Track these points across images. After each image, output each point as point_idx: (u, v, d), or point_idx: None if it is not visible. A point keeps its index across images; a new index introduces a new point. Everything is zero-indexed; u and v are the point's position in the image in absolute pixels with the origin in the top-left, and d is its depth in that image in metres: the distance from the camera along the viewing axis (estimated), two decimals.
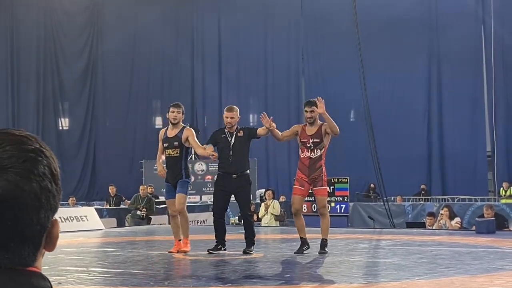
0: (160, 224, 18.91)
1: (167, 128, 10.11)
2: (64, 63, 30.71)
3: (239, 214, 15.93)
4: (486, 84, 22.16)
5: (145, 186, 18.73)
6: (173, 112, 9.93)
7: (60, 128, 30.79)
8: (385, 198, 18.10)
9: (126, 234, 15.34)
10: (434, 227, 15.68)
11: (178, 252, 9.81)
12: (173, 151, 9.79)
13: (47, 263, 9.76)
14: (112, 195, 18.47)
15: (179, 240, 10.12)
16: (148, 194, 18.73)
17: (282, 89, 26.12)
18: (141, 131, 29.07)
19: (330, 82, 24.21)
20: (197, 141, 10.16)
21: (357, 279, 7.70)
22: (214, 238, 10.29)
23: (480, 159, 22.41)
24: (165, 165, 10.53)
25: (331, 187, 18.25)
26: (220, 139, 9.92)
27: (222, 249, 9.99)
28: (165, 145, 9.89)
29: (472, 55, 22.44)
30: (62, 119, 30.79)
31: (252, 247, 9.87)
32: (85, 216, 16.62)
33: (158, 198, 22.28)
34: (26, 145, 1.20)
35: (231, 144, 9.76)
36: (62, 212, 16.86)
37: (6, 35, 30.47)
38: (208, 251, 10.15)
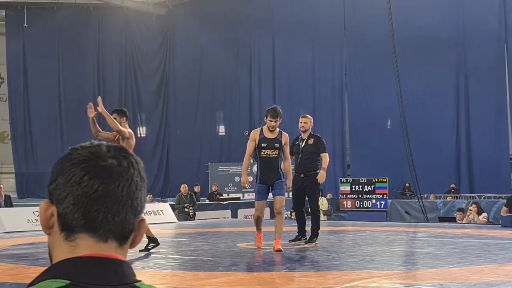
0: (224, 218, 18.98)
1: (261, 130, 9.19)
2: (141, 80, 31.13)
3: (291, 209, 15.91)
4: (509, 96, 21.86)
5: (185, 185, 18.66)
6: (271, 121, 9.03)
7: (139, 135, 31.10)
8: (419, 196, 17.92)
9: (195, 226, 15.43)
10: (463, 222, 15.48)
11: (274, 250, 8.74)
12: (272, 152, 9.00)
13: (132, 251, 9.84)
14: (184, 194, 18.52)
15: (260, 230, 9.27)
16: (189, 192, 18.66)
17: (328, 101, 26.09)
18: (207, 138, 29.27)
19: (370, 95, 24.09)
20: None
21: (397, 267, 7.64)
22: (297, 229, 10.33)
23: (503, 162, 22.09)
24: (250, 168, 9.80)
25: (372, 186, 18.18)
26: (294, 145, 9.94)
27: (302, 239, 9.96)
28: (264, 145, 9.00)
29: (496, 70, 22.14)
30: (140, 128, 31.16)
31: (315, 239, 9.82)
32: (161, 211, 16.76)
33: (222, 196, 22.38)
34: (119, 151, 1.24)
35: (301, 148, 9.82)
36: None
37: (94, 57, 31.02)
38: (289, 241, 10.17)
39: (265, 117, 9.16)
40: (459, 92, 23.25)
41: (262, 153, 8.94)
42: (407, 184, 21.49)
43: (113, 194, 1.17)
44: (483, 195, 19.84)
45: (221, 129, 29.54)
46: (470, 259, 7.96)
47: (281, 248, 8.67)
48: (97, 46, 30.91)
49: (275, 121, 8.95)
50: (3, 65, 31.81)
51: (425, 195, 18.92)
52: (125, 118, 9.65)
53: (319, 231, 10.00)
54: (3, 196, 16.83)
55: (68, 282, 1.12)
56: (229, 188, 24.25)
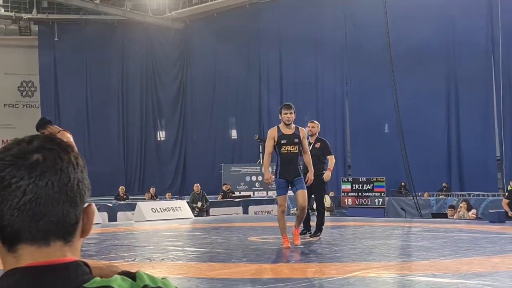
0: (236, 214, 18.98)
1: (278, 128, 8.54)
2: (161, 88, 31.22)
3: (297, 206, 15.89)
4: (495, 103, 21.81)
5: (198, 185, 18.64)
6: (286, 113, 8.47)
7: (158, 139, 31.25)
8: (414, 194, 17.91)
9: (210, 221, 15.45)
10: (454, 217, 15.47)
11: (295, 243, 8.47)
12: (292, 148, 8.37)
13: (152, 243, 9.90)
14: (197, 192, 18.54)
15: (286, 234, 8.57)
16: (201, 191, 18.66)
17: (330, 108, 26.11)
18: (220, 141, 29.32)
19: (369, 102, 24.05)
20: None
21: (394, 258, 7.63)
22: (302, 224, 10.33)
23: (490, 162, 22.02)
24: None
25: (371, 185, 18.15)
26: None
27: (307, 233, 9.93)
28: (284, 141, 8.36)
29: (483, 79, 22.08)
30: (160, 132, 31.25)
31: (319, 233, 9.84)
32: (179, 207, 16.78)
33: (234, 193, 22.38)
34: (50, 145, 1.07)
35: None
36: (161, 204, 17.11)
37: (118, 68, 31.13)
38: None
39: (279, 114, 8.61)
40: (449, 99, 23.21)
41: (282, 149, 8.37)
42: (402, 183, 21.47)
43: (43, 194, 1.02)
44: (472, 193, 19.76)
45: (233, 133, 29.57)
46: (460, 251, 7.95)
47: (299, 242, 8.53)
48: (121, 58, 31.03)
49: (290, 113, 8.43)
50: (36, 75, 31.97)
51: (419, 193, 18.86)
52: (49, 126, 8.46)
53: (323, 226, 10.01)
54: None
55: None
56: (241, 186, 24.25)
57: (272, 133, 8.51)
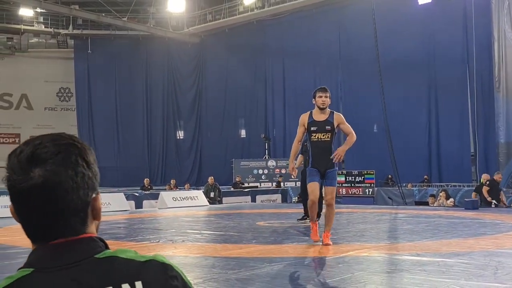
0: (247, 202, 19.03)
1: (311, 113, 6.89)
2: (180, 94, 31.29)
3: (298, 195, 15.92)
4: (470, 106, 21.74)
5: (212, 178, 18.63)
6: (321, 97, 6.79)
7: (178, 138, 31.33)
8: (399, 185, 17.88)
9: (222, 208, 15.48)
10: (434, 205, 15.45)
11: (322, 244, 6.73)
12: (323, 135, 6.70)
13: (174, 227, 9.94)
14: (211, 184, 18.58)
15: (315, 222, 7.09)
16: (215, 182, 18.66)
17: None
18: (231, 140, 29.38)
19: (360, 105, 24.01)
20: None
21: (383, 240, 7.63)
22: (303, 211, 10.31)
23: (465, 158, 21.98)
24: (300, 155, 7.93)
25: (362, 177, 18.15)
26: (303, 146, 8.93)
27: (307, 218, 9.92)
28: (314, 128, 6.72)
29: (460, 85, 22.01)
30: (179, 132, 31.32)
31: (317, 218, 9.75)
32: (196, 196, 16.84)
33: (243, 184, 22.43)
34: (59, 141, 1.11)
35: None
36: (181, 194, 17.18)
37: (142, 76, 31.24)
38: (297, 220, 10.17)
39: (313, 99, 6.90)
40: (430, 103, 23.17)
41: (312, 137, 6.75)
42: (389, 176, 21.45)
43: (48, 207, 1.06)
44: (450, 184, 19.75)
45: (243, 133, 29.60)
46: (440, 234, 7.95)
47: (330, 242, 6.68)
48: (145, 67, 31.12)
49: (325, 96, 6.77)
50: (72, 83, 32.10)
51: (404, 184, 18.85)
52: None
53: (321, 213, 10.02)
54: None
55: (32, 270, 1.06)
56: (249, 178, 24.28)
57: (303, 118, 6.92)
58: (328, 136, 6.71)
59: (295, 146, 7.06)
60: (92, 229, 1.13)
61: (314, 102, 6.87)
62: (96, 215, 1.14)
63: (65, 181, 1.06)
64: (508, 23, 19.20)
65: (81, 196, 1.09)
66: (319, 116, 6.77)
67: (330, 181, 6.74)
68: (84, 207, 1.10)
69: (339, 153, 6.59)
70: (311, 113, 6.87)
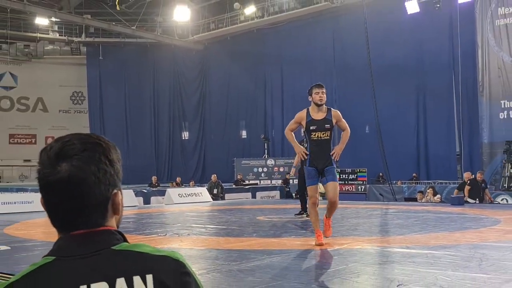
0: (247, 198, 19.02)
1: (308, 111, 6.19)
2: (185, 98, 31.32)
3: (296, 191, 15.91)
4: (456, 109, 21.74)
5: (215, 175, 18.63)
6: (318, 93, 6.12)
7: (183, 138, 31.34)
8: (389, 182, 17.91)
9: (225, 204, 15.47)
10: (423, 201, 15.45)
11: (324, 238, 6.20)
12: (323, 134, 6.09)
13: (180, 222, 9.92)
14: (214, 181, 18.58)
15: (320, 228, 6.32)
16: (218, 180, 18.66)
17: None
18: (233, 140, 29.36)
19: (353, 108, 23.85)
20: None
21: (375, 234, 7.63)
22: (300, 207, 10.29)
23: (451, 157, 21.97)
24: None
25: (355, 175, 18.17)
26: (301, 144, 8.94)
27: (304, 213, 9.85)
28: (313, 127, 6.09)
29: (446, 90, 22.01)
30: (184, 133, 31.34)
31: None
32: (200, 193, 16.82)
33: (244, 182, 22.40)
34: (87, 140, 1.14)
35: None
36: (186, 190, 17.15)
37: (150, 81, 31.28)
38: (295, 215, 10.15)
39: (309, 96, 6.22)
40: (419, 106, 23.17)
41: (312, 135, 6.11)
42: (380, 174, 21.42)
43: (72, 199, 1.09)
44: (437, 181, 19.72)
45: (243, 134, 29.59)
46: (428, 228, 7.94)
47: (330, 232, 6.35)
48: (153, 73, 31.14)
49: (322, 92, 6.12)
50: (85, 87, 32.13)
51: (394, 181, 18.85)
52: None
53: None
54: None
55: (54, 258, 1.08)
56: (250, 176, 24.26)
57: (300, 116, 6.21)
58: (327, 135, 6.13)
59: (290, 133, 6.33)
60: (111, 223, 1.14)
61: (310, 99, 6.19)
62: (116, 210, 1.16)
63: (88, 176, 1.09)
64: (491, 32, 19.20)
65: (102, 190, 1.11)
66: (317, 115, 6.13)
67: (332, 177, 6.10)
68: (105, 201, 1.12)
69: (337, 151, 6.17)
70: (308, 111, 6.17)
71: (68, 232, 1.10)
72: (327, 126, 6.10)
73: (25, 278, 1.05)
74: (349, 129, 6.31)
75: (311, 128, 6.09)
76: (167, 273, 1.08)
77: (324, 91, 6.16)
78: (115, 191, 1.14)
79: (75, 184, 1.07)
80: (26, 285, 1.04)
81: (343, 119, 6.27)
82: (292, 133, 6.30)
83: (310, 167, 6.16)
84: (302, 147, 6.38)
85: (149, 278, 1.07)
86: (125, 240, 1.13)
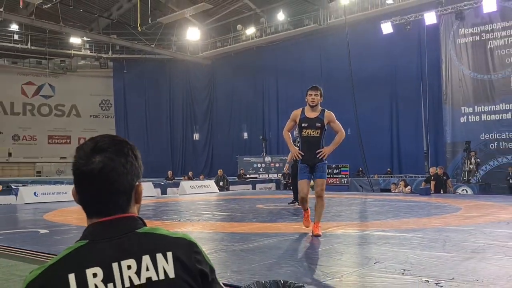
0: (248, 189, 18.99)
1: (303, 109, 5.73)
2: (196, 104, 31.27)
3: (289, 182, 15.84)
4: (423, 114, 21.73)
5: (221, 170, 18.60)
6: (311, 95, 5.69)
7: (194, 139, 31.27)
8: (368, 176, 17.88)
9: (229, 194, 15.45)
10: (396, 191, 15.42)
11: (312, 235, 5.55)
12: (313, 132, 5.59)
13: (191, 209, 9.91)
14: (220, 175, 18.56)
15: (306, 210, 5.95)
16: (223, 174, 18.63)
17: None
18: (236, 140, 29.32)
19: (337, 113, 23.58)
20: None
21: (355, 219, 7.61)
22: (292, 196, 10.29)
23: (419, 154, 21.96)
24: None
25: (339, 170, 18.13)
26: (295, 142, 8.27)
27: (296, 202, 9.80)
28: (304, 124, 5.60)
29: (415, 97, 21.99)
30: (195, 134, 31.27)
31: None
32: (209, 185, 16.81)
33: (246, 175, 22.38)
34: (116, 138, 1.16)
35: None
36: (197, 183, 17.14)
37: (166, 90, 31.23)
38: (288, 203, 10.13)
39: (306, 97, 5.76)
40: (392, 111, 23.15)
41: (303, 132, 5.65)
42: (360, 168, 21.41)
43: (104, 186, 1.09)
44: (407, 175, 19.73)
45: (245, 135, 29.54)
46: (400, 214, 7.93)
47: (320, 233, 5.56)
48: (169, 83, 31.11)
49: (315, 94, 5.65)
50: (111, 96, 32.12)
51: (372, 175, 18.85)
52: None
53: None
54: None
55: (87, 241, 1.08)
56: (250, 171, 24.25)
57: (295, 114, 5.76)
58: (317, 133, 5.58)
59: (287, 133, 5.78)
60: (134, 210, 1.15)
61: (306, 99, 5.74)
62: (138, 199, 1.16)
63: (118, 166, 1.10)
64: (453, 49, 19.20)
65: (128, 180, 1.11)
66: (310, 114, 5.64)
67: (320, 173, 5.62)
68: (130, 189, 1.13)
69: (325, 151, 5.59)
70: (303, 109, 5.71)
71: (98, 218, 1.10)
72: (318, 124, 5.58)
73: (62, 260, 1.06)
74: (343, 132, 5.71)
75: (303, 125, 5.59)
76: (183, 251, 1.10)
77: (318, 93, 5.67)
78: (138, 182, 1.15)
79: (107, 172, 1.08)
80: (63, 266, 1.05)
81: (336, 121, 5.70)
82: (289, 133, 5.76)
83: (302, 163, 5.67)
84: (296, 148, 5.79)
85: (169, 255, 1.08)
86: (144, 224, 1.14)
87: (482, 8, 18.04)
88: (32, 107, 32.31)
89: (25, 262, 4.36)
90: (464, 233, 5.54)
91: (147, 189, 14.98)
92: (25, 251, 4.76)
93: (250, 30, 27.19)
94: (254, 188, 19.66)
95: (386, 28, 20.45)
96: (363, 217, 8.01)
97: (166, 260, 1.08)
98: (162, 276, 1.06)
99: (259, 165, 24.64)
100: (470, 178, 16.69)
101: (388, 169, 21.79)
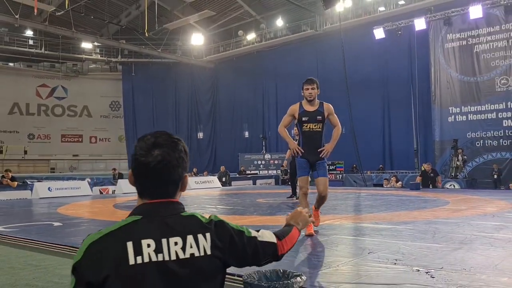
0: (249, 185, 18.96)
1: (301, 104, 5.05)
2: (200, 105, 31.24)
3: (288, 178, 15.81)
4: (413, 114, 21.70)
5: (223, 167, 18.61)
6: (307, 89, 4.99)
7: (199, 138, 31.25)
8: (361, 172, 17.86)
9: (231, 189, 15.43)
10: (388, 186, 15.40)
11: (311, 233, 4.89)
12: (315, 126, 4.92)
13: (196, 203, 9.89)
14: (222, 171, 18.52)
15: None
16: (226, 170, 18.61)
17: None
18: (238, 139, 29.31)
19: None
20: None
21: (350, 212, 7.59)
22: (291, 191, 10.25)
23: (410, 152, 21.91)
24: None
25: (335, 166, 18.10)
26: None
27: (294, 196, 9.79)
28: (305, 118, 4.93)
29: (406, 99, 21.95)
30: (199, 133, 31.26)
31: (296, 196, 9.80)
32: (212, 180, 16.79)
33: (246, 172, 22.37)
34: (172, 136, 1.29)
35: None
36: (201, 179, 17.10)
37: (173, 92, 31.18)
38: (287, 198, 10.10)
39: (302, 91, 5.07)
40: (384, 112, 23.13)
41: (304, 127, 4.95)
42: (354, 165, 21.39)
43: (160, 175, 1.23)
44: (398, 171, 19.72)
45: (246, 134, 29.52)
46: (392, 208, 7.91)
47: (318, 223, 5.23)
48: (174, 86, 31.08)
49: (311, 88, 4.96)
50: (120, 97, 32.11)
51: (365, 171, 18.84)
52: None
53: (296, 196, 9.97)
54: (118, 173, 16.89)
55: (140, 217, 1.21)
56: (251, 167, 24.26)
57: (293, 109, 5.06)
58: (319, 127, 4.94)
59: (284, 129, 5.04)
60: (178, 197, 1.31)
61: (302, 93, 5.07)
62: (183, 188, 1.32)
63: (173, 159, 1.24)
64: (441, 53, 19.18)
65: (179, 172, 1.27)
66: (309, 107, 4.97)
67: (323, 171, 4.97)
68: (179, 180, 1.28)
69: (327, 149, 4.96)
70: (301, 104, 5.04)
71: (150, 199, 1.23)
72: (319, 117, 4.92)
73: (121, 229, 1.19)
74: (340, 126, 5.07)
75: (303, 119, 4.92)
76: (215, 232, 1.28)
77: (314, 86, 4.97)
78: (185, 174, 1.30)
79: (164, 164, 1.22)
80: (122, 234, 1.18)
81: (335, 114, 5.06)
82: (286, 129, 5.05)
83: (301, 158, 4.99)
84: (295, 143, 5.05)
85: (208, 235, 1.26)
86: (184, 209, 1.29)
87: (469, 15, 18.02)
88: (46, 108, 32.32)
89: (40, 253, 4.35)
90: (452, 225, 5.52)
91: None
92: (40, 242, 4.75)
93: (251, 36, 27.16)
94: (254, 183, 19.65)
95: (379, 33, 20.44)
96: (357, 210, 8.00)
97: (206, 240, 1.24)
98: (202, 253, 1.23)
99: (259, 162, 24.65)
100: (458, 174, 16.68)
101: (381, 166, 21.78)
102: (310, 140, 4.96)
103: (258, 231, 1.46)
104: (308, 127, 4.95)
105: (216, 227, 1.29)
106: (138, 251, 1.15)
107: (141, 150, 1.24)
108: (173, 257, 1.19)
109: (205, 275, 1.22)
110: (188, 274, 1.19)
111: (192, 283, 1.20)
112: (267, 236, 1.46)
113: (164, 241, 1.19)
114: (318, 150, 4.93)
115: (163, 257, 1.17)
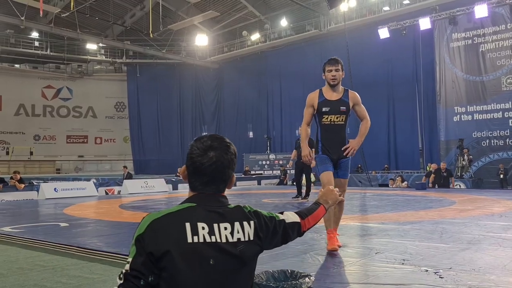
0: (254, 185, 18.94)
1: (321, 91, 4.06)
2: (204, 105, 31.29)
3: (293, 179, 15.81)
4: (418, 113, 21.64)
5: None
6: (331, 71, 4.03)
7: None
8: (366, 172, 17.81)
9: (236, 190, 15.43)
10: (393, 186, 15.37)
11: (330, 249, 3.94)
12: (337, 118, 3.99)
13: None
14: None
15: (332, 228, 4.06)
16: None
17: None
18: (242, 139, 29.26)
19: None
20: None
21: (356, 212, 7.57)
22: (296, 191, 10.26)
23: (415, 152, 21.89)
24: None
25: None
26: (296, 142, 8.86)
27: (299, 196, 9.80)
28: (325, 109, 3.97)
29: (411, 97, 21.92)
30: (204, 134, 31.23)
31: (307, 196, 9.79)
32: None
33: (251, 172, 22.34)
34: (225, 140, 1.46)
35: (297, 143, 9.01)
36: None
37: (177, 92, 31.26)
38: (292, 198, 10.10)
39: (323, 74, 4.07)
40: (389, 111, 23.05)
41: (323, 119, 4.01)
42: (359, 165, 21.30)
43: (213, 174, 1.40)
44: (404, 171, 19.66)
45: (251, 134, 29.55)
46: (398, 208, 7.89)
47: (337, 246, 3.99)
48: (179, 86, 31.14)
49: (335, 69, 4.00)
50: (125, 98, 32.19)
51: (370, 171, 18.78)
52: None
53: (310, 192, 9.96)
54: (127, 173, 16.94)
55: (195, 204, 1.38)
56: (255, 168, 24.25)
57: (312, 98, 4.06)
58: (342, 119, 4.01)
59: (305, 129, 4.16)
60: (224, 191, 1.47)
61: (324, 77, 4.10)
62: (230, 185, 1.48)
63: (225, 161, 1.41)
64: (446, 52, 19.09)
65: (229, 172, 1.43)
66: (331, 95, 4.02)
67: (344, 172, 4.07)
68: (228, 178, 1.44)
69: (352, 146, 4.06)
70: (321, 91, 4.07)
71: (202, 193, 1.39)
72: (343, 108, 3.99)
73: (179, 212, 1.35)
74: (368, 119, 4.20)
75: (323, 110, 3.98)
76: (258, 218, 1.47)
77: (339, 68, 4.03)
78: (233, 173, 1.46)
79: (217, 164, 1.39)
80: (181, 215, 1.34)
81: (362, 105, 4.15)
82: (308, 130, 4.17)
83: (323, 154, 4.03)
84: (309, 149, 4.15)
85: (252, 223, 1.44)
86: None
87: (474, 14, 17.92)
88: (51, 109, 32.46)
89: (47, 253, 4.37)
90: (459, 225, 5.49)
91: (160, 185, 14.95)
92: (47, 242, 4.76)
93: (255, 36, 27.15)
94: (259, 183, 19.63)
95: (383, 33, 20.37)
96: (363, 210, 7.97)
97: (250, 227, 1.42)
98: (246, 238, 1.40)
99: (263, 162, 24.64)
100: (463, 173, 16.60)
101: (386, 166, 21.71)
102: (332, 134, 4.00)
103: (281, 213, 1.64)
104: (328, 119, 3.98)
105: (257, 217, 1.46)
106: (194, 232, 1.32)
107: (198, 150, 1.40)
108: (224, 240, 1.35)
109: (247, 258, 1.39)
110: (235, 256, 1.36)
111: (237, 264, 1.37)
112: (291, 217, 1.65)
113: (215, 225, 1.35)
114: (342, 149, 4.01)
115: (216, 239, 1.34)
